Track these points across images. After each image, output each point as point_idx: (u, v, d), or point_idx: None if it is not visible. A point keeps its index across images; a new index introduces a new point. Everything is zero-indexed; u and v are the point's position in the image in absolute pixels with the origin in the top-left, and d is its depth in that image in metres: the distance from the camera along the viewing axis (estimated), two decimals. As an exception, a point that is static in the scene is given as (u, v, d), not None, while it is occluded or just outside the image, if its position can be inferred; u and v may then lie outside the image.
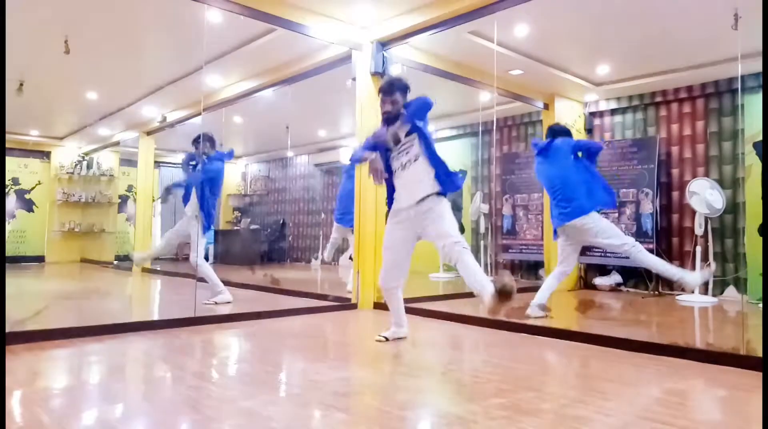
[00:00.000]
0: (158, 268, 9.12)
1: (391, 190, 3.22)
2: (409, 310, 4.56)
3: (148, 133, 8.89)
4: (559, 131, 4.63)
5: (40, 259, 10.14)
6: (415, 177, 3.08)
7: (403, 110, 3.10)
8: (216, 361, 2.98)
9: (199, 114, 7.07)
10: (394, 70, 4.96)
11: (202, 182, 4.95)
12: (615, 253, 6.83)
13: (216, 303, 4.83)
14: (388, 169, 3.16)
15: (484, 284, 2.83)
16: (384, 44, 4.84)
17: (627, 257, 5.91)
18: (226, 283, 6.73)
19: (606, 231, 4.22)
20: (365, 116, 4.94)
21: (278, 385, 2.46)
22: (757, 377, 2.68)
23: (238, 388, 2.38)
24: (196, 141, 5.28)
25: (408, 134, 3.10)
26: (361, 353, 3.16)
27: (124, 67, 6.29)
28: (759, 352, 2.88)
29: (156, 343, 3.35)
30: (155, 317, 4.53)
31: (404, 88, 3.18)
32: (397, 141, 3.05)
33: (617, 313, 4.78)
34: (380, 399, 2.28)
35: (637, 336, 3.78)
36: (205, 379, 2.55)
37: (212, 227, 5.18)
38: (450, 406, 2.21)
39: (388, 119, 3.12)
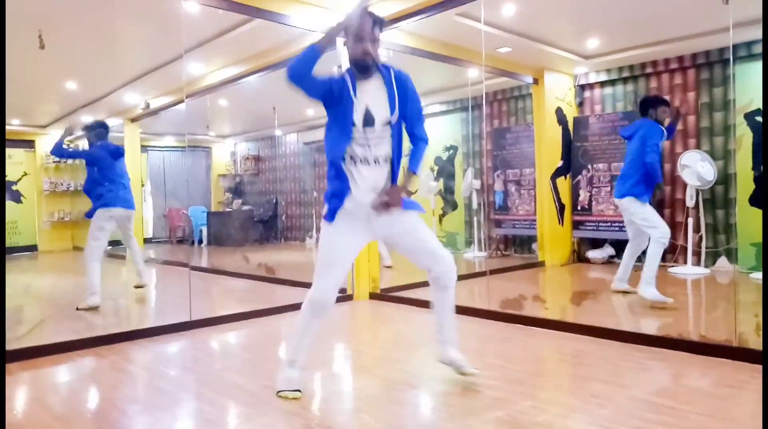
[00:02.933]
0: (152, 256, 9.08)
1: (339, 180, 2.40)
2: (401, 300, 4.59)
3: (133, 120, 8.73)
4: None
5: (33, 248, 10.06)
6: (382, 175, 2.42)
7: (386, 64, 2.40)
8: (212, 373, 2.98)
9: (182, 101, 6.93)
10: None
11: (87, 164, 5.12)
12: (608, 226, 6.87)
13: (87, 306, 4.61)
14: (342, 154, 2.39)
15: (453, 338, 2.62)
16: (369, 30, 4.70)
17: (618, 230, 5.96)
18: (221, 271, 6.77)
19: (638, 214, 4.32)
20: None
21: (273, 400, 2.46)
22: (748, 369, 2.72)
23: (234, 410, 2.39)
24: (88, 128, 5.27)
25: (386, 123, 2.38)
26: (357, 356, 3.16)
27: (103, 57, 6.12)
28: (751, 344, 2.91)
29: (151, 355, 3.35)
30: (151, 321, 4.49)
31: (382, 25, 2.41)
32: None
33: (609, 293, 4.79)
34: (376, 417, 2.29)
35: (629, 323, 3.82)
36: (199, 395, 2.55)
37: (130, 207, 5.11)
38: (446, 423, 2.22)
39: (367, 67, 2.34)
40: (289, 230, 11.42)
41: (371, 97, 2.37)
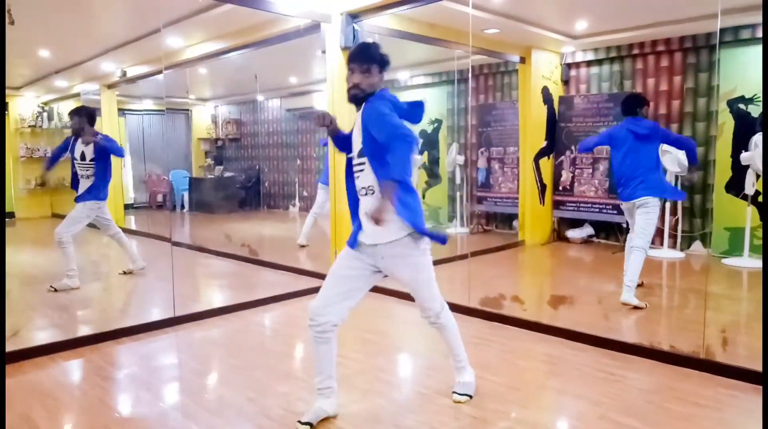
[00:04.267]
0: (132, 227, 9.02)
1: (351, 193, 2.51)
2: (389, 293, 4.64)
3: (109, 87, 8.48)
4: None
5: (10, 215, 9.92)
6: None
7: (379, 91, 2.38)
8: (196, 384, 3.04)
9: (161, 72, 6.75)
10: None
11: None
12: (588, 207, 6.96)
13: (67, 287, 4.78)
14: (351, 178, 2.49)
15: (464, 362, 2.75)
16: (354, 16, 4.58)
17: (599, 211, 6.03)
18: (204, 250, 6.76)
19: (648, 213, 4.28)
20: (337, 93, 4.75)
21: (257, 416, 2.53)
22: (713, 383, 2.85)
23: (215, 425, 2.46)
24: (74, 113, 5.16)
25: (360, 154, 2.39)
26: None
27: (79, 26, 5.90)
28: (717, 357, 3.03)
29: (136, 358, 3.39)
30: (135, 315, 4.51)
31: (382, 62, 2.39)
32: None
33: (587, 282, 4.92)
34: (359, 439, 2.37)
35: (603, 323, 3.93)
36: (186, 412, 2.61)
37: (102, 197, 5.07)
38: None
39: (356, 97, 2.35)
40: (272, 198, 11.37)
41: (356, 128, 2.43)
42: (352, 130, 2.47)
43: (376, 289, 4.16)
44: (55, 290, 4.76)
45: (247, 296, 4.54)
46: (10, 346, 3.36)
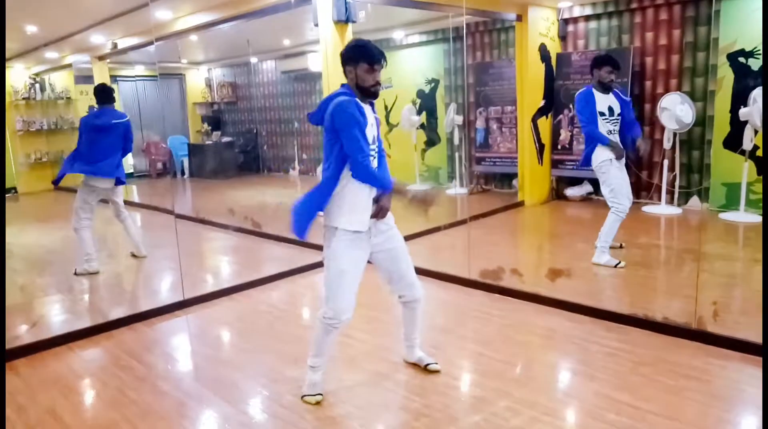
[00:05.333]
0: (135, 198, 9.07)
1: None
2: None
3: (100, 58, 8.36)
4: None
5: (12, 190, 9.96)
6: (373, 192, 2.56)
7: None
8: (211, 371, 3.18)
9: (152, 43, 6.64)
10: (360, 17, 4.64)
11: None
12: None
13: (85, 271, 4.86)
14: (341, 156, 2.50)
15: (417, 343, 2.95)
16: (345, -12, 4.48)
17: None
18: (208, 222, 6.84)
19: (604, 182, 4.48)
20: (332, 67, 4.70)
21: (270, 405, 2.67)
22: (704, 353, 2.97)
23: (232, 412, 2.60)
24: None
25: (373, 141, 2.58)
26: (340, 346, 3.35)
27: (65, 2, 5.76)
28: (708, 327, 3.15)
29: (151, 344, 3.53)
30: (145, 300, 4.62)
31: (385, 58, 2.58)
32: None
33: (585, 242, 4.98)
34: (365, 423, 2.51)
35: (599, 292, 4.04)
36: (200, 398, 2.75)
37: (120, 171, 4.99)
38: (430, 430, 2.45)
39: (376, 94, 2.54)
40: (271, 161, 11.37)
41: (370, 119, 2.56)
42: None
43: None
44: (77, 274, 4.87)
45: (254, 273, 4.65)
46: (31, 338, 3.49)
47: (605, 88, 4.42)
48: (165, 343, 3.57)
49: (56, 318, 4.06)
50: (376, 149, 2.60)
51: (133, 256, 5.41)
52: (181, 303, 4.02)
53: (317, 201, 2.53)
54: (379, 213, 2.56)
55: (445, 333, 3.43)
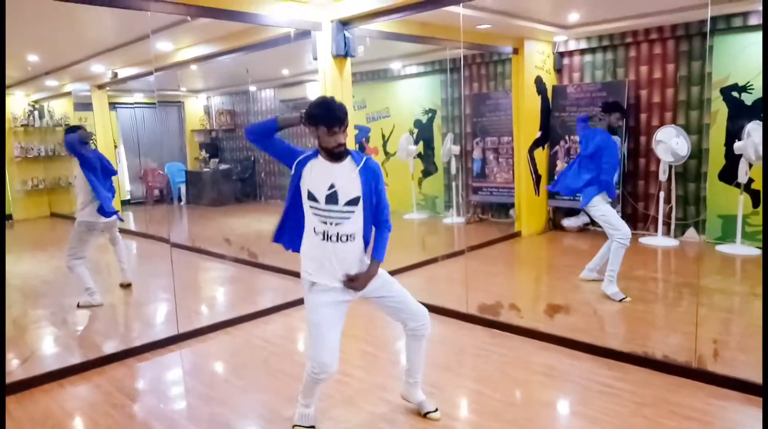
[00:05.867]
0: (131, 226, 9.04)
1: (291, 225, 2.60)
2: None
3: (100, 87, 8.41)
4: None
5: (7, 217, 9.90)
6: (352, 258, 2.53)
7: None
8: (205, 412, 3.12)
9: (151, 73, 6.69)
10: (358, 52, 4.69)
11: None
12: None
13: (88, 304, 4.81)
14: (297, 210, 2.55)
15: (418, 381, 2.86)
16: (345, 24, 4.53)
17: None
18: (204, 251, 6.80)
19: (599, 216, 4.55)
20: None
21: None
22: (705, 393, 2.93)
23: (229, 462, 2.53)
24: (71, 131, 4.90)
25: (349, 203, 2.46)
26: (335, 386, 3.29)
27: (67, 31, 5.81)
28: (708, 366, 3.11)
29: (143, 382, 3.46)
30: (139, 334, 4.56)
31: (347, 114, 2.48)
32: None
33: (577, 269, 4.97)
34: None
35: (599, 328, 4.00)
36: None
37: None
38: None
39: (339, 155, 2.43)
40: (269, 188, 11.37)
41: (340, 178, 2.47)
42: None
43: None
44: (80, 307, 4.82)
45: (249, 306, 4.60)
46: (21, 374, 3.42)
47: (614, 131, 4.62)
48: (158, 380, 3.51)
49: (48, 352, 3.99)
50: (334, 214, 2.44)
51: (121, 285, 5.35)
52: (175, 337, 3.97)
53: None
54: (350, 282, 2.52)
55: (444, 370, 3.38)
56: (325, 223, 2.46)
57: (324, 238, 2.47)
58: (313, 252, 2.51)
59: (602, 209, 4.47)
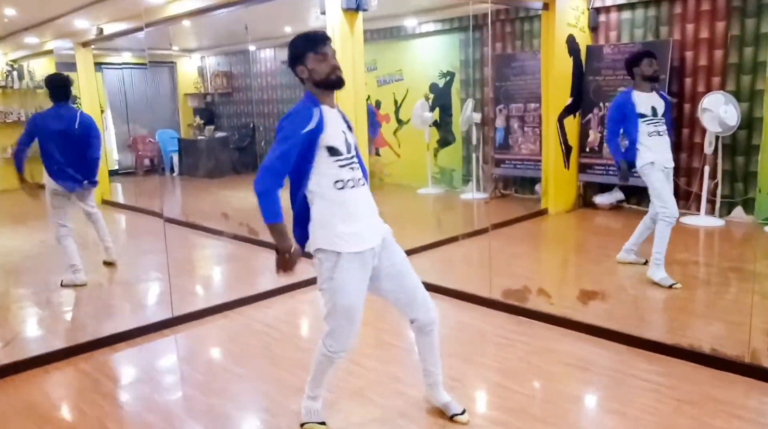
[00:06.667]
0: (119, 199, 9.01)
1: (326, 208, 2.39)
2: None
3: (84, 45, 8.30)
4: None
5: (-14, 187, 9.90)
6: (373, 204, 2.52)
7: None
8: (201, 402, 3.10)
9: (141, 29, 6.59)
10: (372, 4, 4.56)
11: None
12: (618, 171, 6.88)
13: (72, 283, 4.78)
14: (299, 175, 2.38)
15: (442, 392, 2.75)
16: (356, -28, 4.39)
17: (630, 174, 5.99)
18: (199, 227, 6.77)
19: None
20: (339, 59, 4.61)
21: None
22: (758, 391, 2.87)
23: (230, 458, 2.51)
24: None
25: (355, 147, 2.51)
26: (347, 376, 3.26)
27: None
28: (763, 360, 3.04)
29: (136, 369, 3.45)
30: (130, 316, 4.53)
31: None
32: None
33: (612, 252, 4.90)
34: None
35: (638, 317, 3.93)
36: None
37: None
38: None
39: (341, 80, 2.38)
40: (269, 159, 11.29)
41: (343, 122, 2.48)
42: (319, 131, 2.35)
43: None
44: (63, 286, 4.81)
45: (249, 287, 4.57)
46: (3, 359, 3.42)
47: (650, 82, 4.42)
48: (151, 368, 3.49)
49: (31, 335, 3.99)
50: (354, 159, 2.45)
51: (105, 263, 5.32)
52: (170, 321, 3.94)
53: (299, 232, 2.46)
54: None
55: (464, 361, 3.33)
56: (352, 169, 2.42)
57: (354, 185, 2.40)
58: (344, 208, 2.36)
59: (651, 178, 4.37)
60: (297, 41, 2.40)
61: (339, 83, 2.38)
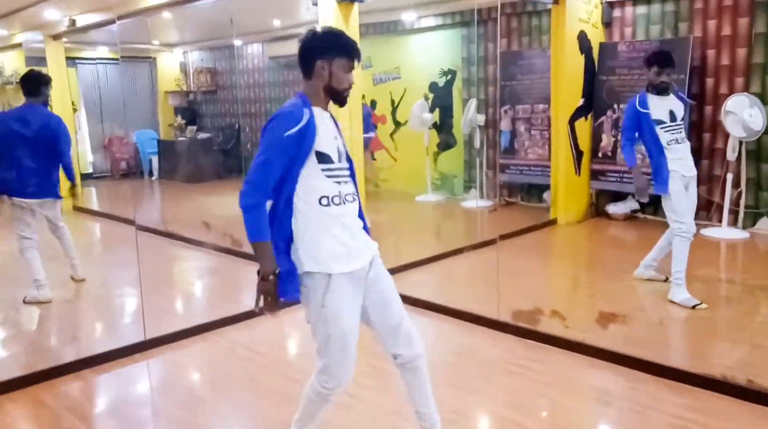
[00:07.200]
0: (95, 208, 8.80)
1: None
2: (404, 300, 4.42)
3: (55, 37, 8.11)
4: None
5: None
6: (359, 221, 2.34)
7: None
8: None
9: (113, 22, 6.43)
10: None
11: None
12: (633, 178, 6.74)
13: (35, 300, 4.61)
14: (282, 189, 2.19)
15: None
16: (351, -40, 4.24)
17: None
18: (176, 236, 6.58)
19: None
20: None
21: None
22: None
23: None
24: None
25: (348, 158, 2.35)
26: (336, 410, 3.08)
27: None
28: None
29: (104, 399, 3.25)
30: (99, 339, 4.32)
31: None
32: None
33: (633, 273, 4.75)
34: None
35: (663, 343, 3.76)
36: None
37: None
38: None
39: (347, 100, 2.30)
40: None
41: (336, 129, 2.32)
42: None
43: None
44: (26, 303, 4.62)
45: (231, 306, 4.37)
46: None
47: (660, 91, 4.24)
48: (120, 399, 3.29)
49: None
50: (346, 171, 2.29)
51: (72, 279, 5.12)
52: (142, 344, 3.74)
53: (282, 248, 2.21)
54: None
55: (469, 392, 3.15)
56: (339, 182, 2.23)
57: (340, 202, 2.22)
58: (332, 225, 2.19)
59: (667, 190, 4.21)
60: (333, 36, 2.21)
61: (345, 101, 2.29)
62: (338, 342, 2.22)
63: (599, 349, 3.45)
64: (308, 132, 2.14)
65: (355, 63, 2.24)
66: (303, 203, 2.18)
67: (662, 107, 4.23)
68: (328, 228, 2.19)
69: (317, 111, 2.21)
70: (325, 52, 2.17)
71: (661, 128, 4.21)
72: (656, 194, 4.40)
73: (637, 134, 4.33)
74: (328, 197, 2.19)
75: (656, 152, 4.22)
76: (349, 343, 2.24)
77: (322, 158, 2.18)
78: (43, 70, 9.03)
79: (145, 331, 3.82)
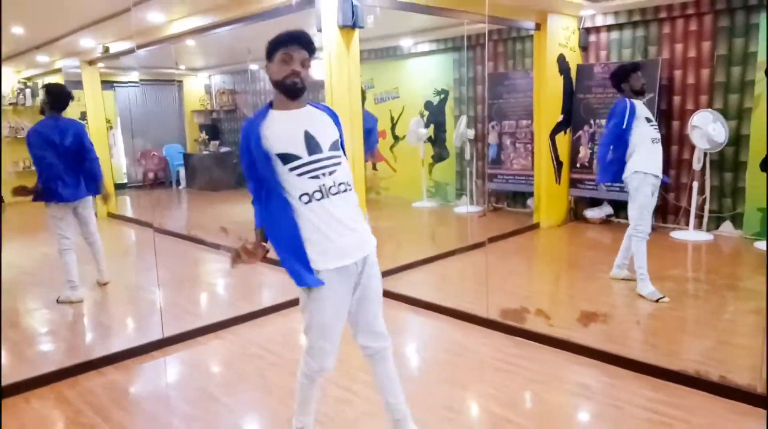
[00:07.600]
0: (128, 214, 8.62)
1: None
2: (399, 299, 4.23)
3: (90, 63, 7.94)
4: None
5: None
6: (355, 213, 2.10)
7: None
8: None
9: (133, 50, 6.29)
10: (368, 22, 4.21)
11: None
12: (608, 186, 6.53)
13: (68, 300, 4.43)
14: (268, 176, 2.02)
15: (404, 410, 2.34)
16: (352, -10, 4.05)
17: (620, 190, 5.60)
18: (190, 238, 6.38)
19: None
20: (335, 76, 4.26)
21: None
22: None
23: None
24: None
25: (332, 147, 2.07)
26: (336, 406, 2.89)
27: (50, 2, 5.36)
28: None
29: (124, 391, 3.06)
30: (118, 338, 4.12)
31: (314, 51, 2.10)
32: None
33: (605, 267, 4.54)
34: None
35: (639, 338, 3.57)
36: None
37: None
38: None
39: (295, 88, 2.01)
40: (271, 173, 10.95)
41: (312, 123, 2.07)
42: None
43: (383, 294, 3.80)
44: (59, 302, 4.43)
45: (245, 305, 4.19)
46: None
47: (639, 96, 4.14)
48: (138, 395, 3.10)
49: (14, 358, 3.59)
50: (326, 161, 2.03)
51: (98, 283, 4.92)
52: (160, 342, 3.56)
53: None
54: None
55: (460, 389, 2.96)
56: (317, 177, 2.00)
57: (322, 196, 1.99)
58: (309, 228, 2.00)
59: (639, 191, 4.04)
60: (271, 40, 2.06)
61: (291, 90, 2.02)
62: (317, 330, 2.09)
63: (582, 346, 3.26)
64: (251, 141, 1.99)
65: (294, 49, 2.00)
66: (295, 201, 2.01)
67: (645, 109, 4.13)
68: (314, 224, 2.00)
69: (274, 114, 2.04)
70: (268, 58, 2.06)
71: (650, 125, 4.08)
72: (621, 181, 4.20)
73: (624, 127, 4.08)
74: (308, 194, 1.99)
75: (642, 147, 4.04)
76: (328, 332, 2.08)
77: (286, 159, 1.98)
78: (80, 92, 8.90)
79: (163, 330, 3.63)
